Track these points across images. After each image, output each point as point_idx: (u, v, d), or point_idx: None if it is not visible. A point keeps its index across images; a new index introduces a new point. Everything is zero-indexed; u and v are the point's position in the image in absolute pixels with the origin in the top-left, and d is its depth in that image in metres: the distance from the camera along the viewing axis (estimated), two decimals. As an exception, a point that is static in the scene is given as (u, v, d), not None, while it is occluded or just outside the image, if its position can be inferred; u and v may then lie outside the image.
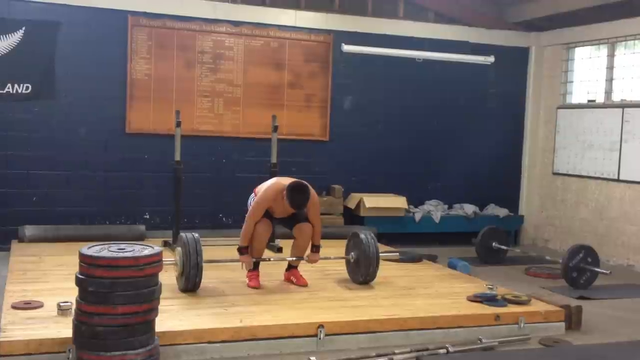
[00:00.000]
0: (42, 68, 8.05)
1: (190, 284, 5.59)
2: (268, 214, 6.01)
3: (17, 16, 7.92)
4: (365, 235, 6.26)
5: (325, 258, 6.32)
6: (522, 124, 10.36)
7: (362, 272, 6.17)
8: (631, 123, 8.73)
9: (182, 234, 5.80)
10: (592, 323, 5.71)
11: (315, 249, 6.16)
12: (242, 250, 5.94)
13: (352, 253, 6.32)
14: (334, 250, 7.73)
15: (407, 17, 9.66)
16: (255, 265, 6.07)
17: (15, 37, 7.91)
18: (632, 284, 7.68)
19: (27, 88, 8.00)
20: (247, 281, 5.99)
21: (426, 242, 9.14)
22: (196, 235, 5.76)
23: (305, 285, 6.06)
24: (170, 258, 5.82)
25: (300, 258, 6.18)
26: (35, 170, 8.13)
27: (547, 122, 10.19)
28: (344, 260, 6.44)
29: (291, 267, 6.23)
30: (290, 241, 6.34)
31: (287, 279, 6.20)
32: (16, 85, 7.95)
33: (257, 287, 5.91)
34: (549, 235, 10.12)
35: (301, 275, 6.16)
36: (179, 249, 5.74)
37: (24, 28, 7.92)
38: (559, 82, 10.02)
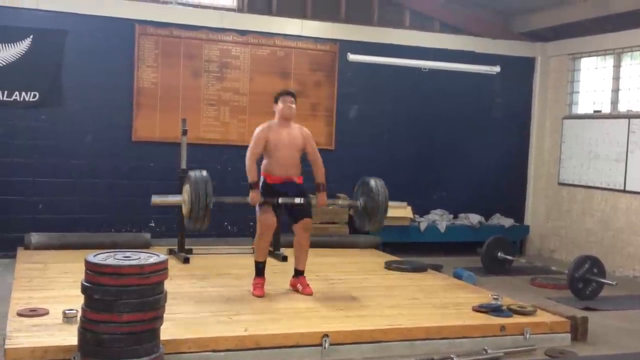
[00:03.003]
0: (50, 76, 8.09)
1: (198, 224, 5.58)
2: (272, 207, 5.92)
3: (25, 24, 7.96)
4: (375, 182, 6.18)
5: (333, 204, 6.25)
6: (527, 134, 10.36)
7: (369, 219, 6.11)
8: (637, 134, 8.70)
9: (192, 173, 5.77)
10: (598, 334, 5.68)
11: (322, 187, 6.06)
12: (252, 186, 5.87)
13: (361, 199, 6.24)
14: (338, 259, 7.77)
15: (412, 27, 9.69)
16: (261, 272, 6.05)
17: (23, 45, 7.95)
18: (638, 295, 7.64)
19: (34, 96, 8.04)
20: (252, 289, 5.98)
21: (431, 252, 9.12)
22: (205, 174, 5.73)
23: (310, 294, 6.04)
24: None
25: (307, 198, 5.99)
26: (41, 178, 8.16)
27: (553, 132, 10.18)
28: (348, 270, 6.42)
29: (298, 274, 6.19)
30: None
31: (294, 286, 6.18)
32: (23, 93, 7.99)
33: (262, 295, 5.90)
34: (555, 245, 10.09)
35: (308, 284, 6.13)
36: (187, 186, 5.70)
37: (31, 36, 7.96)
38: (565, 93, 10.02)
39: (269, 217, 5.93)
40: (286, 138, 5.99)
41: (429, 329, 5.15)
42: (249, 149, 6.00)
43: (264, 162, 6.06)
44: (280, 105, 6.06)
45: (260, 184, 6.02)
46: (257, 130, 6.04)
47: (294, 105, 6.08)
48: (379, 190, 6.12)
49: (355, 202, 6.32)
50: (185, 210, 5.71)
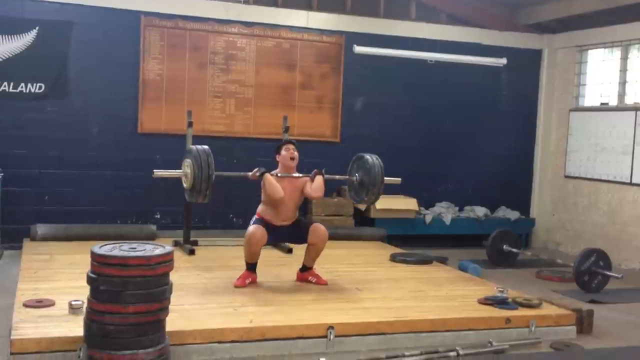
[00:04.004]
0: (55, 68, 8.09)
1: (201, 196, 5.62)
2: (267, 227, 5.92)
3: (31, 16, 7.96)
4: (371, 157, 6.27)
5: (330, 178, 6.35)
6: (534, 127, 10.32)
7: (365, 192, 6.20)
8: (644, 126, 8.68)
9: (193, 147, 5.81)
10: (603, 327, 5.67)
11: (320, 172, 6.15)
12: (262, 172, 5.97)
13: (357, 174, 6.32)
14: (344, 251, 7.77)
15: (419, 19, 9.65)
16: (252, 267, 6.03)
17: (28, 37, 7.95)
18: (644, 288, 7.64)
19: (40, 87, 8.04)
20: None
21: (437, 244, 9.12)
22: (207, 147, 5.76)
23: (325, 284, 6.05)
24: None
25: (308, 175, 6.11)
26: (47, 169, 8.18)
27: (560, 125, 10.14)
28: (353, 263, 6.42)
29: (307, 268, 6.18)
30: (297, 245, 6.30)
31: (303, 279, 6.16)
32: (29, 85, 7.99)
33: (242, 286, 5.84)
34: (561, 238, 10.07)
35: (319, 275, 6.13)
36: (188, 160, 5.73)
37: (37, 28, 7.96)
38: (572, 85, 9.97)
39: (258, 232, 5.86)
40: (287, 189, 6.00)
41: (434, 321, 5.15)
42: (269, 194, 5.92)
43: (262, 207, 6.06)
44: (283, 153, 6.11)
45: (255, 218, 6.05)
46: (268, 175, 5.99)
47: (296, 153, 6.13)
48: (374, 163, 6.19)
49: (351, 177, 6.39)
50: (187, 183, 5.73)
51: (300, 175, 6.17)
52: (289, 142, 6.28)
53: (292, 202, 6.07)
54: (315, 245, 6.02)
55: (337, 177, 6.61)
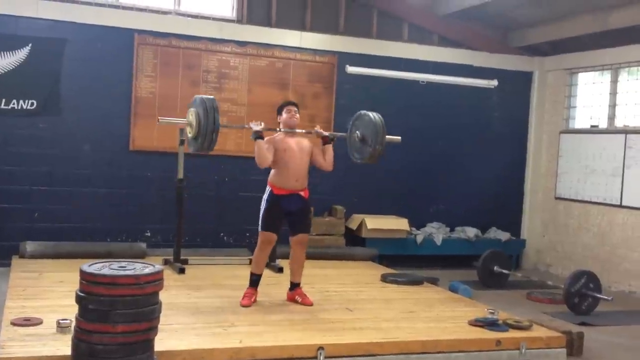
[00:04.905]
0: (48, 84, 8.09)
1: (206, 142, 5.58)
2: (276, 227, 5.96)
3: (24, 33, 7.97)
4: (371, 113, 6.20)
5: (333, 135, 6.33)
6: (524, 148, 10.38)
7: (370, 144, 6.08)
8: (634, 149, 8.74)
9: (197, 96, 5.83)
10: (593, 349, 5.68)
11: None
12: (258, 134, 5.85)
13: (358, 132, 6.25)
14: (334, 271, 7.75)
15: (411, 40, 9.72)
16: (254, 284, 6.03)
17: (21, 54, 7.96)
18: (634, 310, 7.65)
19: (32, 104, 8.03)
20: (241, 298, 5.95)
21: (427, 265, 9.12)
22: (211, 97, 5.77)
23: (310, 304, 6.01)
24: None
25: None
26: (37, 186, 8.14)
27: (550, 147, 10.20)
28: (344, 283, 6.38)
29: (295, 286, 6.17)
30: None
31: (291, 299, 6.15)
32: (21, 101, 7.98)
33: (247, 305, 5.85)
34: (551, 260, 10.09)
35: (306, 295, 6.11)
36: (193, 109, 5.70)
37: (30, 45, 7.97)
38: (562, 107, 10.05)
39: (270, 234, 5.94)
40: (295, 147, 6.00)
41: (425, 343, 5.13)
42: (256, 159, 5.85)
43: (272, 173, 6.03)
44: (284, 115, 6.11)
45: (266, 195, 6.01)
46: (260, 141, 5.94)
47: (297, 115, 6.13)
48: (375, 117, 6.14)
49: (352, 134, 6.34)
50: (191, 132, 5.71)
51: (303, 131, 6.15)
52: (291, 103, 6.23)
53: (302, 159, 6.00)
54: (294, 248, 6.02)
55: (338, 134, 6.55)
